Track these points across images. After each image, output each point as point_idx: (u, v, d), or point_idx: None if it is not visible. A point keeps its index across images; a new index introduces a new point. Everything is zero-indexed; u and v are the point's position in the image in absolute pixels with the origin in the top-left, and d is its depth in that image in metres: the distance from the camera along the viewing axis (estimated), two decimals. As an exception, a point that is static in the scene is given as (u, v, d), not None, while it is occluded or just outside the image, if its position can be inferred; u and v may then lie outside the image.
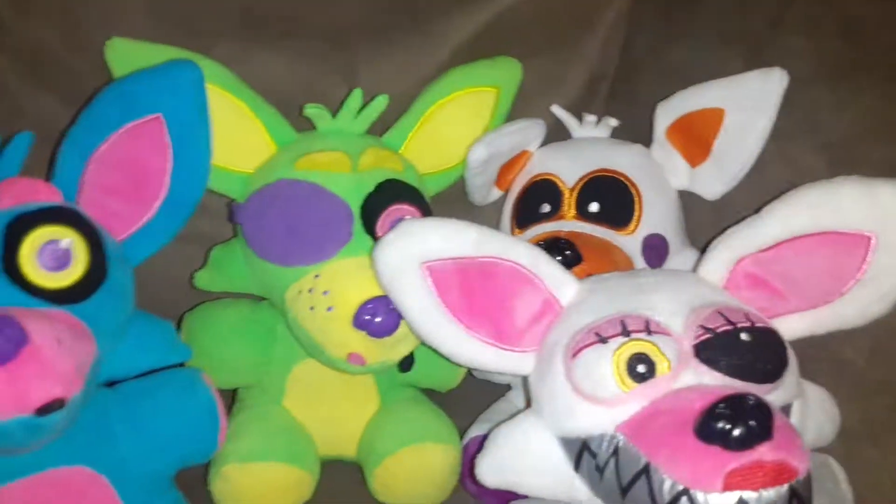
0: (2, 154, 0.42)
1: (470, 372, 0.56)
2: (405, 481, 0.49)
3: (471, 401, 0.56)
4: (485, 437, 0.47)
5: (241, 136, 0.49)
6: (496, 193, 0.58)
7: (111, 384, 0.43)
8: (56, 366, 0.34)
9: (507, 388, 0.57)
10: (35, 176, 0.42)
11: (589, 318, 0.38)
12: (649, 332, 0.35)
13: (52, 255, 0.37)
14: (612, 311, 0.37)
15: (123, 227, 0.44)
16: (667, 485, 0.31)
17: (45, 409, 0.33)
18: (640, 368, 0.35)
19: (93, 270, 0.39)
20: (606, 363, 0.35)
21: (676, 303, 0.37)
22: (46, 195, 0.40)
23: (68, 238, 0.38)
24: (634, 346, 0.35)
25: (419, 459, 0.49)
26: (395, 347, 0.45)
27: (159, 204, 0.45)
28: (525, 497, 0.40)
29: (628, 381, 0.35)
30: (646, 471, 0.32)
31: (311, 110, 0.50)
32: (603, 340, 0.36)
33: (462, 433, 0.52)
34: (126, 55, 0.47)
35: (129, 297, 0.43)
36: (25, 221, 0.37)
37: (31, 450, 0.37)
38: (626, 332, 0.35)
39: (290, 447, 0.48)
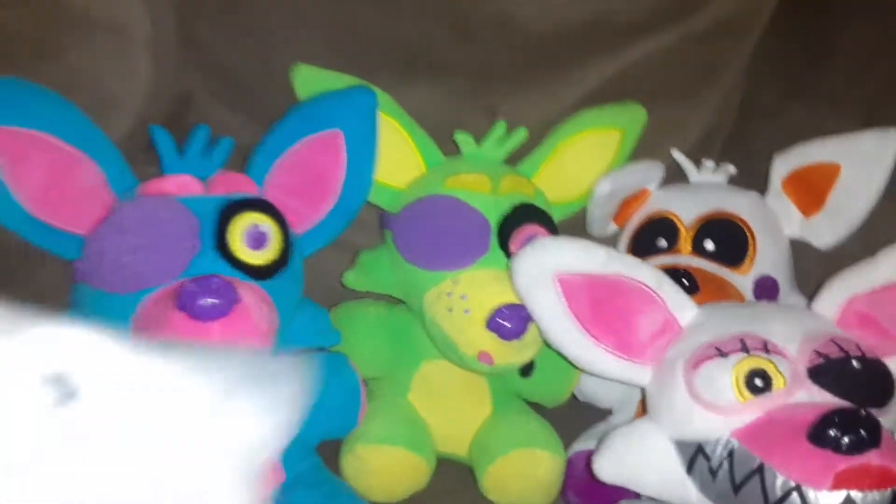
0: (212, 152, 0.50)
1: (574, 395, 0.61)
2: (515, 481, 0.53)
3: (573, 421, 0.60)
4: (588, 453, 0.52)
5: (399, 156, 0.56)
6: (613, 228, 0.63)
7: (273, 357, 0.50)
8: (259, 324, 0.41)
9: (609, 412, 0.60)
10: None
11: (708, 337, 0.42)
12: (767, 351, 0.39)
13: (254, 236, 0.45)
14: (731, 331, 0.41)
15: (298, 223, 0.51)
16: (779, 482, 0.35)
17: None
18: (758, 382, 0.39)
19: (282, 254, 0.46)
20: (726, 375, 0.39)
21: (792, 330, 0.41)
22: (249, 188, 0.48)
23: (267, 224, 0.46)
24: (753, 363, 0.39)
25: (529, 462, 0.53)
26: (521, 351, 0.50)
27: (329, 207, 0.52)
28: (635, 497, 0.44)
29: (746, 392, 0.39)
30: (759, 470, 0.36)
31: (460, 137, 0.57)
32: (723, 355, 0.40)
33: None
34: (309, 79, 0.55)
35: (301, 283, 0.50)
36: (235, 207, 0.45)
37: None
38: (745, 349, 0.39)
39: (413, 436, 0.53)
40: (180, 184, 0.46)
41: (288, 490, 0.46)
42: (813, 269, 0.58)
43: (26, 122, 0.43)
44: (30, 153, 0.44)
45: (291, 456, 0.47)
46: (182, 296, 0.39)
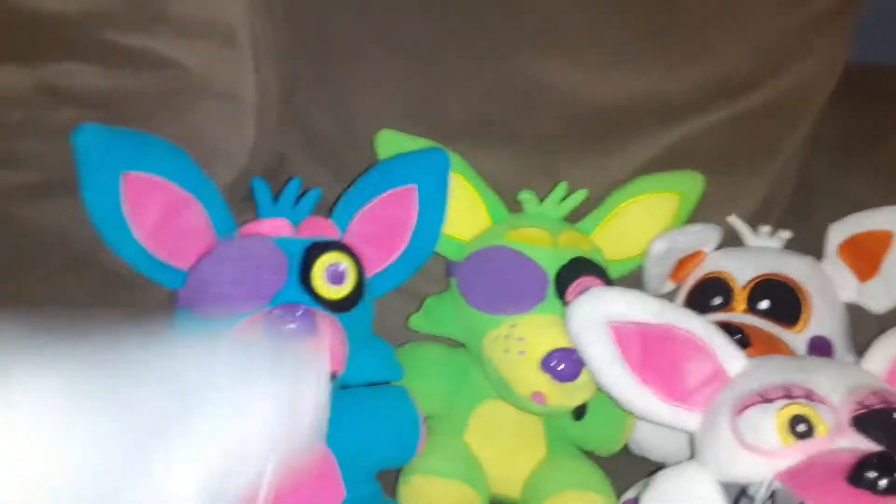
0: (302, 201, 0.56)
1: (626, 448, 0.62)
2: (567, 522, 0.54)
3: (625, 471, 0.60)
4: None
5: (467, 212, 0.60)
6: (669, 286, 0.65)
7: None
8: (334, 349, 0.45)
9: (662, 466, 0.61)
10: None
11: (755, 385, 0.44)
12: (811, 399, 0.41)
13: (334, 274, 0.50)
14: (777, 381, 0.43)
15: (371, 267, 0.56)
16: (818, 521, 0.36)
17: (323, 380, 0.45)
18: (800, 428, 0.40)
19: (356, 291, 0.51)
20: (770, 420, 0.41)
21: (836, 382, 0.42)
22: (332, 232, 0.54)
23: (346, 263, 0.51)
24: (796, 409, 0.41)
25: (581, 504, 0.54)
26: (574, 394, 0.53)
27: (399, 255, 0.57)
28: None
29: (789, 437, 0.40)
30: (800, 510, 0.37)
31: (524, 195, 0.62)
32: (768, 401, 0.42)
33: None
34: (389, 143, 0.61)
35: (371, 319, 0.55)
36: (319, 248, 0.51)
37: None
38: (789, 396, 0.41)
39: (468, 472, 0.56)
40: (274, 226, 0.52)
41: (349, 509, 0.49)
42: (872, 334, 0.58)
43: (148, 168, 0.51)
44: (149, 195, 0.51)
45: (352, 479, 0.51)
46: (269, 320, 0.44)
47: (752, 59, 0.67)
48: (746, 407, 0.42)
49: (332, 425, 0.50)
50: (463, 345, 0.62)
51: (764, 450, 0.40)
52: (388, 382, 0.57)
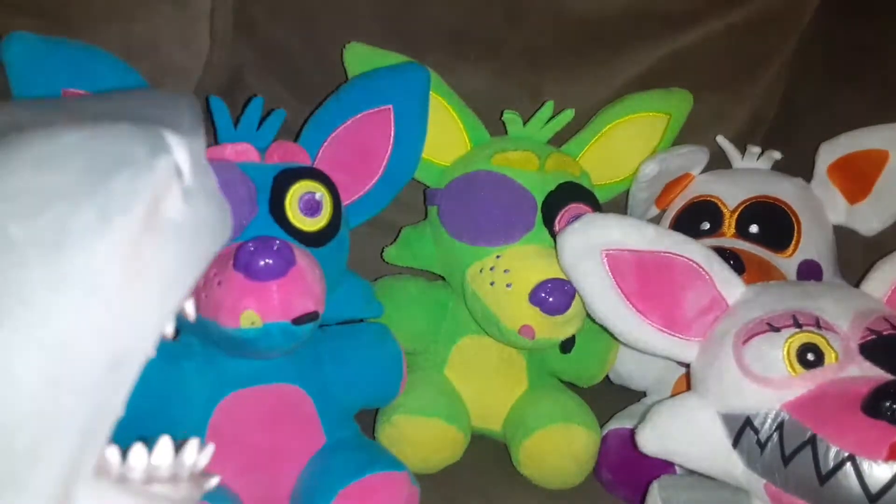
0: (265, 124, 0.51)
1: (607, 378, 0.61)
2: (550, 455, 0.53)
3: (606, 402, 0.60)
4: (623, 431, 0.52)
5: (445, 134, 0.56)
6: (654, 211, 0.63)
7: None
8: (313, 286, 0.41)
9: (643, 394, 0.61)
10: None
11: (759, 313, 0.42)
12: (819, 326, 0.39)
13: (308, 204, 0.46)
14: (782, 308, 0.42)
15: (345, 196, 0.51)
16: (832, 453, 0.35)
17: (300, 320, 0.41)
18: (810, 356, 0.39)
19: (333, 222, 0.47)
20: (778, 349, 0.39)
21: (843, 307, 0.41)
22: (303, 158, 0.49)
23: (321, 192, 0.47)
24: (805, 337, 0.39)
25: (566, 437, 0.53)
26: (563, 327, 0.50)
27: (375, 181, 0.53)
28: (672, 473, 0.45)
29: (797, 366, 0.39)
30: (811, 442, 0.36)
31: (508, 116, 0.57)
32: (775, 329, 0.40)
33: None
34: (361, 57, 0.56)
35: (347, 252, 0.51)
36: (292, 175, 0.46)
37: (271, 357, 0.44)
38: (797, 325, 0.40)
39: (450, 409, 0.54)
40: (238, 151, 0.47)
41: (330, 452, 0.46)
42: (857, 257, 0.58)
43: (90, 84, 0.45)
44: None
45: (333, 422, 0.48)
46: (240, 256, 0.40)
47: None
48: (752, 336, 0.41)
49: (311, 367, 0.48)
50: (441, 277, 0.59)
51: (771, 380, 0.39)
52: (364, 320, 0.54)
